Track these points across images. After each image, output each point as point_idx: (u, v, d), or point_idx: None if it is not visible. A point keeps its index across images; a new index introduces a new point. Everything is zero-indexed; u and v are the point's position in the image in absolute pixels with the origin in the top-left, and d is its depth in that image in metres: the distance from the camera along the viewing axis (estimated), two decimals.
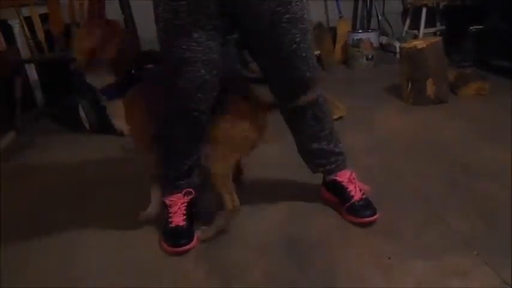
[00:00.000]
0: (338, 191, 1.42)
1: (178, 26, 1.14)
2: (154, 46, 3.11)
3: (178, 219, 1.35)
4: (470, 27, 3.08)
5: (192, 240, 1.31)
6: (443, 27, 3.64)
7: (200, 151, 1.39)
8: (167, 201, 1.40)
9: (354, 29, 3.62)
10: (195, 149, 1.37)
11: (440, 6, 3.70)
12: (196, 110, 1.26)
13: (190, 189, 1.40)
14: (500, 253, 1.16)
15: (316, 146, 1.40)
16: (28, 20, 2.60)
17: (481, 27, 3.03)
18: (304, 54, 1.24)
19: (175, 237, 1.31)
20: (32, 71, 2.93)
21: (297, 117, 1.37)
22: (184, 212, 1.36)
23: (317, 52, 3.23)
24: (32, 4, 2.60)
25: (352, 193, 1.38)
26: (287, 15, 1.17)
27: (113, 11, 2.93)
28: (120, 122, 1.35)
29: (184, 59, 1.18)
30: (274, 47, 1.20)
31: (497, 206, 1.38)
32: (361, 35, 3.39)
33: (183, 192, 1.39)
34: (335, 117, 1.96)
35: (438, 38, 2.49)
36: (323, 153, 1.41)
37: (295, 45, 1.21)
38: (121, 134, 1.40)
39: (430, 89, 2.38)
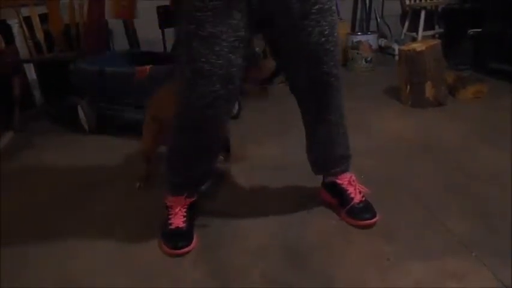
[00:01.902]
0: (338, 192, 1.42)
1: (201, 37, 1.11)
2: (152, 47, 3.12)
3: (178, 221, 1.34)
4: (469, 31, 3.10)
5: (191, 242, 1.31)
6: (442, 30, 3.65)
7: (209, 164, 1.38)
8: (168, 203, 1.40)
9: (353, 31, 3.64)
10: (201, 162, 1.35)
11: (439, 9, 3.72)
12: (205, 123, 1.23)
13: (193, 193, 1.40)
14: (498, 255, 1.17)
15: (329, 152, 1.39)
16: (27, 20, 2.60)
17: (479, 30, 3.05)
18: (332, 49, 1.21)
19: (175, 239, 1.31)
20: (30, 71, 2.94)
21: (317, 119, 1.34)
22: (185, 214, 1.36)
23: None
24: (32, 4, 2.60)
25: (352, 195, 1.39)
26: (316, 6, 1.15)
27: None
28: None
29: (201, 72, 1.14)
30: (302, 40, 1.17)
31: (496, 208, 1.39)
32: (360, 37, 3.40)
33: (185, 195, 1.38)
34: None
35: (437, 41, 2.50)
36: (333, 159, 1.41)
37: (323, 39, 1.18)
38: None
39: (429, 91, 2.39)
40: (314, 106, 1.31)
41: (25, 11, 2.59)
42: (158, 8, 2.82)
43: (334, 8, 1.21)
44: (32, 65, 2.93)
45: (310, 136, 1.42)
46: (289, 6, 1.14)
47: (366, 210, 1.37)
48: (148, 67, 2.10)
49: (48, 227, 1.51)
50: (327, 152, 1.40)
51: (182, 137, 1.30)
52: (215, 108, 1.19)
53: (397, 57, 3.11)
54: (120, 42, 3.29)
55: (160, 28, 2.89)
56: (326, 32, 1.18)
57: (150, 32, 3.04)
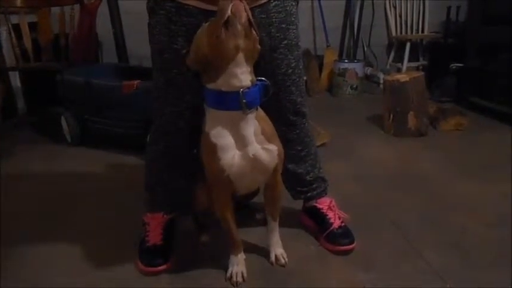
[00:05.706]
0: (317, 217, 1.43)
1: (173, 49, 1.15)
2: (143, 62, 3.11)
3: (155, 238, 1.32)
4: (451, 65, 3.20)
5: (168, 260, 1.29)
6: (426, 62, 3.76)
7: (183, 181, 1.35)
8: (146, 219, 1.38)
9: (340, 58, 3.71)
10: (174, 177, 1.34)
11: (424, 42, 3.84)
12: (175, 133, 1.27)
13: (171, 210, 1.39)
14: (472, 286, 1.18)
15: (301, 171, 1.40)
16: (16, 28, 2.59)
17: (461, 65, 3.15)
18: (297, 79, 1.29)
19: (151, 257, 1.28)
20: (15, 78, 2.90)
21: (286, 138, 1.35)
22: (162, 231, 1.34)
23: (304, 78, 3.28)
24: (22, 12, 2.59)
25: (332, 220, 1.39)
26: (285, 41, 1.22)
27: (103, 25, 2.95)
28: None
29: (173, 83, 1.19)
30: (271, 70, 1.23)
31: (472, 240, 1.41)
32: (346, 65, 3.47)
33: (163, 213, 1.37)
34: (318, 143, 1.99)
35: (420, 73, 2.57)
36: (305, 180, 1.42)
37: (290, 70, 1.26)
38: None
39: (411, 121, 2.44)
40: (283, 128, 1.32)
41: (14, 19, 2.58)
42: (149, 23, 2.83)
43: (299, 44, 1.29)
44: (17, 72, 2.89)
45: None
46: (259, 39, 1.15)
47: (344, 235, 1.37)
48: (136, 82, 2.10)
49: (25, 238, 1.47)
50: (298, 172, 1.41)
51: (155, 149, 1.33)
52: (185, 118, 1.23)
53: (381, 86, 3.17)
54: (110, 55, 3.28)
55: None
56: (293, 65, 1.27)
57: (141, 47, 3.04)
